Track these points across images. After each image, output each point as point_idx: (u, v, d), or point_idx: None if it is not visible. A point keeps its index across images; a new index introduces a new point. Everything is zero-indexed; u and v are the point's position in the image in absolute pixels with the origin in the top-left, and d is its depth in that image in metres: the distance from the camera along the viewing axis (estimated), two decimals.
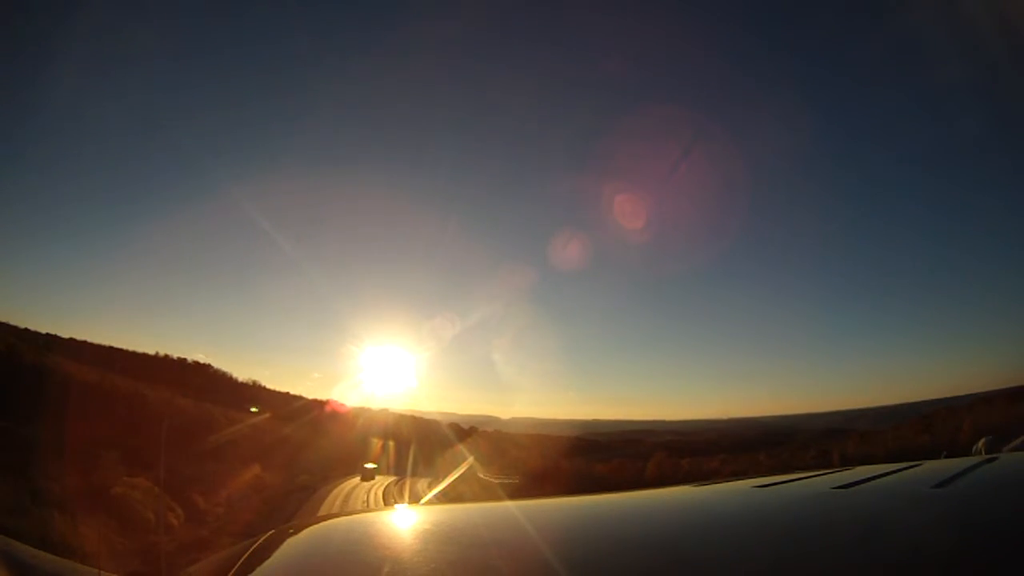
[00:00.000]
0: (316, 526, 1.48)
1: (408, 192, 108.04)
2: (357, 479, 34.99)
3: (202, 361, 47.76)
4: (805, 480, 1.71)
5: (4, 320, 38.37)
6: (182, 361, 46.27)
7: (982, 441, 3.00)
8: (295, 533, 1.34)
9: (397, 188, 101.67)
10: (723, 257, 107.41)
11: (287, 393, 49.09)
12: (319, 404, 42.99)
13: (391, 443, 38.15)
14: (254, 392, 45.76)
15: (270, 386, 49.55)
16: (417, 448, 35.82)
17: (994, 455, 1.99)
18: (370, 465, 29.40)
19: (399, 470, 35.65)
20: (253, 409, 36.09)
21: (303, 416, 36.67)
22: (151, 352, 45.56)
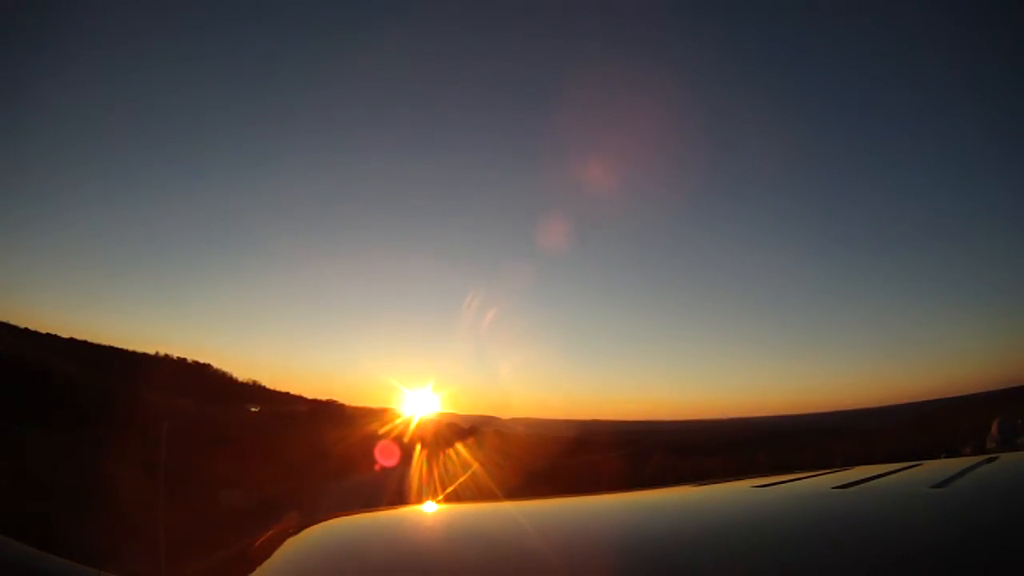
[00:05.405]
0: (316, 526, 1.48)
1: (400, 191, 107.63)
2: (359, 479, 34.94)
3: (202, 361, 47.58)
4: (805, 480, 1.71)
5: (4, 320, 38.35)
6: (182, 361, 46.19)
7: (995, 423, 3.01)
8: (295, 533, 1.34)
9: (387, 186, 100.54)
10: (723, 257, 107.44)
11: (287, 393, 49.00)
12: (320, 404, 42.97)
13: (393, 442, 38.07)
14: (255, 392, 45.68)
15: (270, 386, 49.43)
16: (422, 450, 35.73)
17: (994, 455, 2.00)
18: None
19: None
20: (253, 408, 36.10)
21: (303, 417, 36.68)
22: (151, 352, 45.47)
